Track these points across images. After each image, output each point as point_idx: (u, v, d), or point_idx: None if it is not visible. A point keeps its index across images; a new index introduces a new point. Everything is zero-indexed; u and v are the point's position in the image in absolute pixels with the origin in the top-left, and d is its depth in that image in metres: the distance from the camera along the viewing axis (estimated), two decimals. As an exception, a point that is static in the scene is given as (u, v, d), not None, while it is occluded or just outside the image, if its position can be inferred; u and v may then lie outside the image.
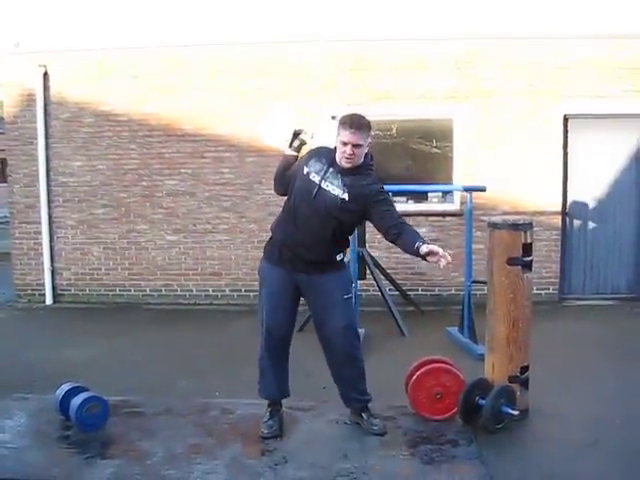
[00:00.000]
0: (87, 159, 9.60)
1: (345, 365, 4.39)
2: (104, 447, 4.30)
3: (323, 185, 4.06)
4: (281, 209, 4.37)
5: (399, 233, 3.98)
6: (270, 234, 4.40)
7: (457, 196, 9.11)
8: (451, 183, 9.06)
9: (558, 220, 9.06)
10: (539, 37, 8.90)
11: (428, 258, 3.75)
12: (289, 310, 4.35)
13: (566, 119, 8.96)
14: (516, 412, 4.42)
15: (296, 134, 4.39)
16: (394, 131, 9.23)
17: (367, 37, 9.11)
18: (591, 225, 9.19)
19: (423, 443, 4.28)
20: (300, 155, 4.39)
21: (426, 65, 9.00)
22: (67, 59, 9.56)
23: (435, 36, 9.06)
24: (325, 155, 4.16)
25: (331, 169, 4.08)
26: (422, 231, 8.95)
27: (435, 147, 9.22)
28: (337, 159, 4.08)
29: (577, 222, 9.20)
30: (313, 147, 4.35)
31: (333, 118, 8.54)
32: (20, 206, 9.82)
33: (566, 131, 9.00)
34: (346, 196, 4.02)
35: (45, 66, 9.50)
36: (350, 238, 4.53)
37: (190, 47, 9.35)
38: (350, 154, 3.99)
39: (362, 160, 4.10)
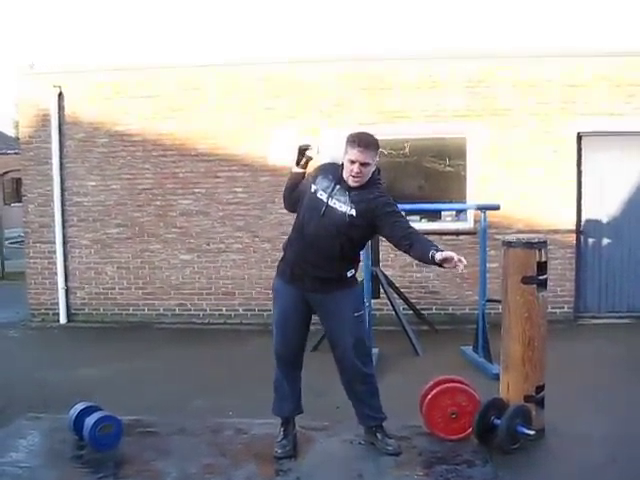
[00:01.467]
0: (101, 179, 9.65)
1: (357, 381, 4.37)
2: (118, 467, 4.29)
3: (330, 203, 4.06)
4: (291, 228, 4.38)
5: (411, 243, 3.93)
6: (282, 253, 4.40)
7: (471, 215, 9.09)
8: (464, 202, 9.04)
9: (573, 238, 9.02)
10: (551, 55, 8.92)
11: (445, 265, 3.72)
12: (300, 328, 4.35)
13: (579, 137, 8.94)
14: (532, 432, 4.37)
15: (302, 151, 4.37)
16: (407, 150, 9.23)
17: (379, 56, 9.15)
18: (606, 243, 9.14)
19: (438, 463, 4.23)
20: (307, 171, 4.37)
21: (439, 84, 9.02)
22: (81, 79, 9.65)
23: (447, 55, 9.10)
24: (332, 172, 4.16)
25: (338, 186, 4.07)
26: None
27: (448, 165, 9.22)
28: (344, 177, 4.06)
29: (592, 240, 9.15)
30: (320, 162, 4.33)
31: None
32: (35, 225, 9.88)
33: (580, 149, 8.98)
34: (354, 212, 4.01)
35: (60, 87, 9.58)
36: (361, 254, 4.49)
37: (203, 67, 9.41)
38: (357, 172, 3.98)
39: (369, 177, 4.09)
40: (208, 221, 9.52)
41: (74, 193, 9.72)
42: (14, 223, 18.79)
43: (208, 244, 9.53)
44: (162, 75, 9.49)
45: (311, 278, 4.17)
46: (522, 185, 8.93)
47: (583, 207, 9.07)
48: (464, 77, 8.98)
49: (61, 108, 9.62)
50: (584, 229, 9.11)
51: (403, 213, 4.22)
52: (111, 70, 9.62)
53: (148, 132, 9.52)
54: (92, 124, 9.62)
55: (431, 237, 8.69)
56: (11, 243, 18.40)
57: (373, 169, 4.09)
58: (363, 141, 3.99)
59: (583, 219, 9.10)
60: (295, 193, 4.33)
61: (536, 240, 4.67)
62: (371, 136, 4.08)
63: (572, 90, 8.84)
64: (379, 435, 4.44)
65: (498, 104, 8.96)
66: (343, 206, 4.03)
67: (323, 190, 4.09)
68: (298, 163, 4.37)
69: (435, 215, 9.23)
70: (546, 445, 4.56)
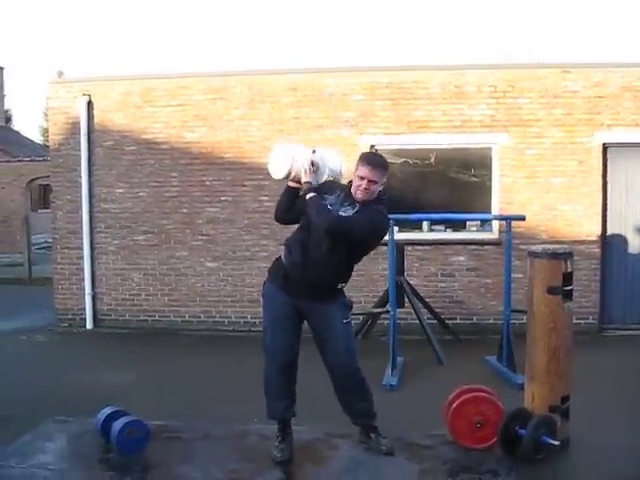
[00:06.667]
0: (129, 186, 9.76)
1: (347, 384, 4.45)
2: (144, 471, 4.35)
3: (340, 211, 4.21)
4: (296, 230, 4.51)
5: None
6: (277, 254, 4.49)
7: (495, 225, 9.09)
8: (489, 212, 9.04)
9: (598, 249, 8.98)
10: (576, 66, 8.92)
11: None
12: (293, 335, 4.43)
13: (605, 148, 8.92)
14: (557, 442, 4.35)
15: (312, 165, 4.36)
16: (432, 160, 9.25)
17: (405, 67, 9.19)
18: (631, 254, 9.09)
19: (462, 472, 4.24)
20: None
21: (464, 94, 9.04)
22: (110, 88, 9.78)
23: (473, 65, 9.11)
24: (338, 187, 4.34)
25: (346, 200, 4.25)
26: (460, 259, 9.04)
27: (474, 176, 9.23)
28: (352, 191, 4.24)
29: (617, 251, 9.10)
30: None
31: (372, 147, 8.62)
32: (63, 232, 10.01)
33: (605, 160, 8.95)
34: None
35: (89, 95, 9.72)
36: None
37: (230, 76, 9.51)
38: (365, 188, 4.16)
39: (375, 195, 4.25)
40: (234, 229, 9.58)
41: (102, 200, 9.84)
42: (41, 229, 19.02)
43: (234, 252, 9.60)
44: (190, 84, 9.60)
45: (306, 284, 4.28)
46: (547, 196, 8.93)
47: (608, 218, 9.04)
48: (489, 88, 9.00)
49: (90, 116, 9.75)
50: (609, 240, 9.07)
51: None
52: (139, 79, 9.77)
53: (175, 140, 9.62)
54: (120, 132, 9.75)
55: (456, 247, 8.80)
56: (38, 249, 18.61)
57: (380, 188, 4.26)
58: (374, 161, 4.24)
59: (608, 230, 9.06)
60: (293, 210, 4.47)
61: (562, 251, 4.66)
62: (381, 157, 4.37)
63: (598, 101, 8.83)
64: (372, 435, 4.52)
65: (523, 115, 8.96)
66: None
67: (331, 204, 4.24)
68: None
69: (460, 225, 9.23)
70: (571, 456, 4.54)
